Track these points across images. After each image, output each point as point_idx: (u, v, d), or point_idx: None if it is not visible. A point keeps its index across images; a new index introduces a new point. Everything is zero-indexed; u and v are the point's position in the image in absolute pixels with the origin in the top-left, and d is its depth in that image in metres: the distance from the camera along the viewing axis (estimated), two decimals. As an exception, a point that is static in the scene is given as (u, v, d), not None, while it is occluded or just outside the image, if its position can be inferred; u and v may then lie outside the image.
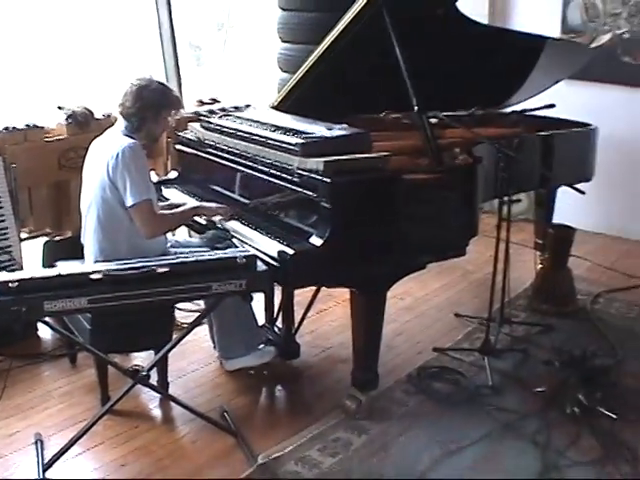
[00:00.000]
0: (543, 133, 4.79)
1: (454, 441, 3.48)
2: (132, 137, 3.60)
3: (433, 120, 3.86)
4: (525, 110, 4.79)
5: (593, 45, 6.91)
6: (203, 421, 3.52)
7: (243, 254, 3.19)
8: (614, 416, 3.73)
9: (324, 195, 3.23)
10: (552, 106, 4.36)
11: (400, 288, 4.81)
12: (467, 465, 3.33)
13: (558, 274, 5.16)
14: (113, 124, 3.87)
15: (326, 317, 4.82)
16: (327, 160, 3.27)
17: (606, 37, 6.95)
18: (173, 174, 4.63)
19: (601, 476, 3.30)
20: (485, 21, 6.96)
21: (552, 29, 6.93)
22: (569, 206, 5.51)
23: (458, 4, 4.18)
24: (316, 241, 3.24)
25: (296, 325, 4.23)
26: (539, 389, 3.96)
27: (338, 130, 3.54)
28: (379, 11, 3.78)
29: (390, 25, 3.79)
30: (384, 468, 3.27)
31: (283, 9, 6.67)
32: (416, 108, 3.77)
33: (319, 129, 3.56)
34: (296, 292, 4.11)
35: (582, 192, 4.09)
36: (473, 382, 4.03)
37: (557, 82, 5.35)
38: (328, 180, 3.22)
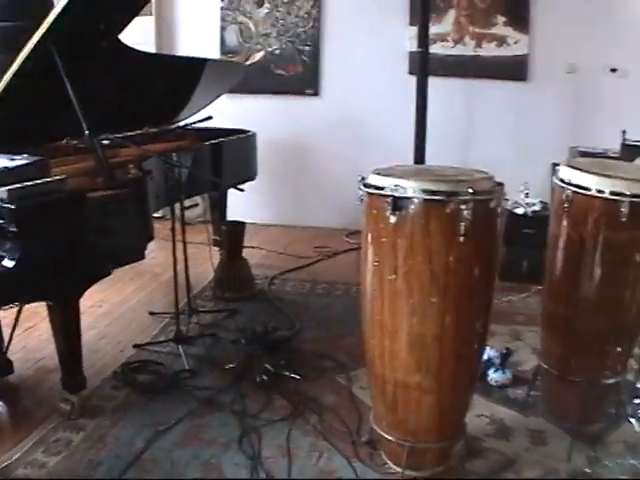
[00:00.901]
0: (209, 142, 4.99)
1: (162, 423, 3.57)
2: None
3: (106, 141, 3.93)
4: (187, 124, 4.93)
5: (249, 62, 7.23)
6: None
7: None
8: (298, 377, 4.00)
9: (10, 221, 3.20)
10: (209, 118, 4.52)
11: (98, 296, 4.92)
12: (175, 441, 3.44)
13: (235, 264, 5.42)
14: None
15: (34, 332, 4.71)
16: (9, 188, 3.25)
17: (259, 54, 7.32)
18: None
19: (293, 428, 3.54)
20: (153, 48, 7.12)
21: (212, 51, 7.22)
22: (244, 203, 5.77)
23: (124, 35, 4.24)
24: (8, 263, 3.22)
25: (6, 343, 4.14)
26: (230, 365, 4.15)
27: (19, 160, 3.51)
28: (48, 48, 3.79)
29: (59, 60, 3.78)
30: (103, 457, 3.31)
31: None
32: (87, 132, 3.82)
33: (1, 161, 3.53)
34: (2, 313, 4.05)
35: (241, 190, 4.32)
36: (172, 369, 4.14)
37: (219, 96, 5.56)
38: (12, 206, 3.20)
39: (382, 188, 2.85)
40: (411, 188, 2.78)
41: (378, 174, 2.93)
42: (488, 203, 2.88)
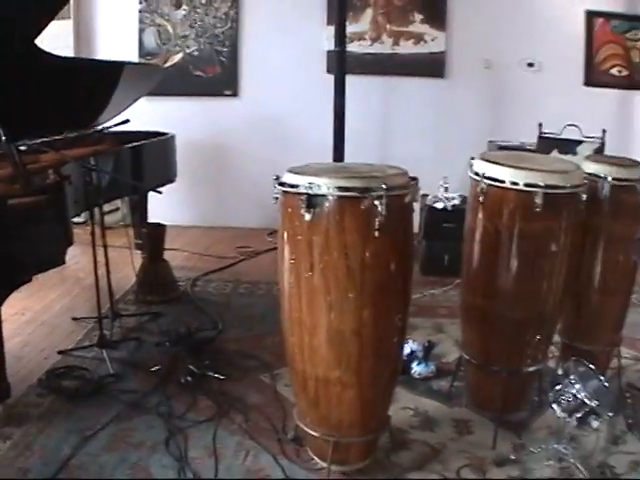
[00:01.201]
0: (127, 146, 4.95)
1: (88, 428, 3.54)
2: None
3: (23, 147, 3.90)
4: (105, 128, 4.91)
5: (167, 64, 7.23)
6: None
7: None
8: (222, 377, 4.03)
9: None
10: (126, 121, 4.51)
11: (20, 304, 4.88)
12: (102, 446, 3.42)
13: (157, 267, 5.41)
14: None
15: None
16: None
17: (178, 56, 7.33)
18: None
19: (219, 428, 3.56)
20: (71, 52, 7.06)
21: (131, 54, 7.19)
22: (164, 206, 5.74)
23: (41, 39, 4.18)
24: None
25: None
26: (155, 368, 4.14)
27: None
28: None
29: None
30: (31, 465, 3.28)
31: None
32: (3, 138, 3.78)
33: None
34: None
35: (159, 192, 4.35)
36: (97, 374, 4.10)
37: (138, 99, 5.53)
38: None
39: (296, 186, 2.88)
40: (325, 185, 2.82)
41: (293, 173, 2.96)
42: (402, 198, 2.94)
